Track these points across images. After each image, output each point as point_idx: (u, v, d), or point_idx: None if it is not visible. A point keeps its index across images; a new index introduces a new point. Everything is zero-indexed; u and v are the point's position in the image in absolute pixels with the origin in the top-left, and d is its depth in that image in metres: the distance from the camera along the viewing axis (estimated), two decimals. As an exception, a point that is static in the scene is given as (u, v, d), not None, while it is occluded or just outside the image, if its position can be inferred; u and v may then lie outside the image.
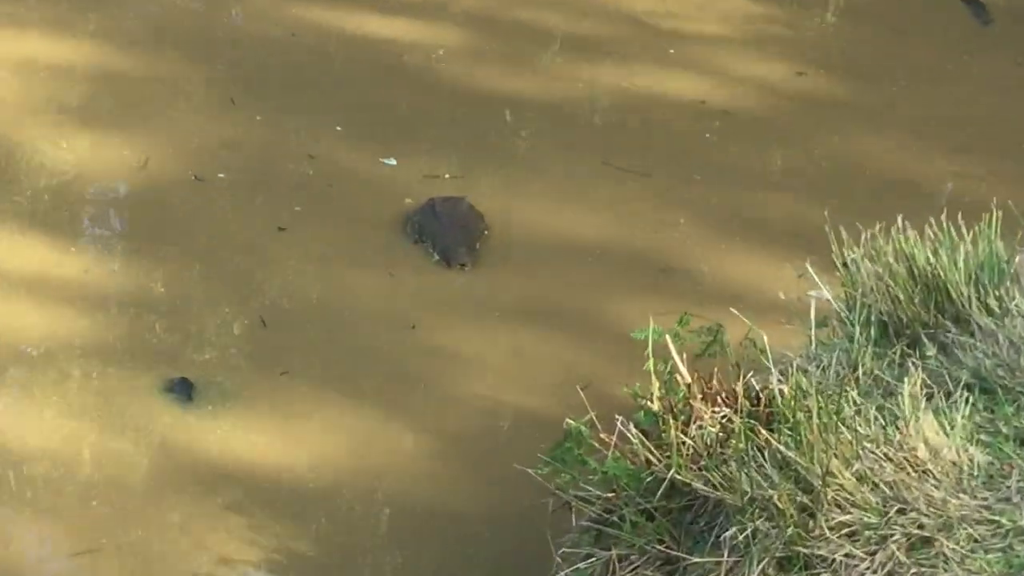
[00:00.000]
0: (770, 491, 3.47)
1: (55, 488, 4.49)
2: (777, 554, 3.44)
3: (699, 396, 3.77)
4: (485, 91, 6.37)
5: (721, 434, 3.68)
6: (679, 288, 5.27)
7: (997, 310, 3.96)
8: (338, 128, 6.08)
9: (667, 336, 3.86)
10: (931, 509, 3.39)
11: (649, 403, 3.80)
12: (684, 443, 3.68)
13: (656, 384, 3.81)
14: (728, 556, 3.50)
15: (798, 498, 3.45)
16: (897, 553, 3.36)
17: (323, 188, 5.77)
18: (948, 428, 3.56)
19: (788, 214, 5.64)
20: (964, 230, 4.10)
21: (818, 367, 3.91)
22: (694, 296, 5.02)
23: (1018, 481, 3.45)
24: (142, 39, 6.52)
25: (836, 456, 3.47)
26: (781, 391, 3.68)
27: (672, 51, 6.69)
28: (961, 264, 4.02)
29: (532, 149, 6.10)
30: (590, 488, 3.80)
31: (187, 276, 5.31)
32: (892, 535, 3.38)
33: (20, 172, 5.71)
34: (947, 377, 3.77)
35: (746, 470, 3.53)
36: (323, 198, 5.72)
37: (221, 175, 5.79)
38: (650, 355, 3.83)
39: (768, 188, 5.92)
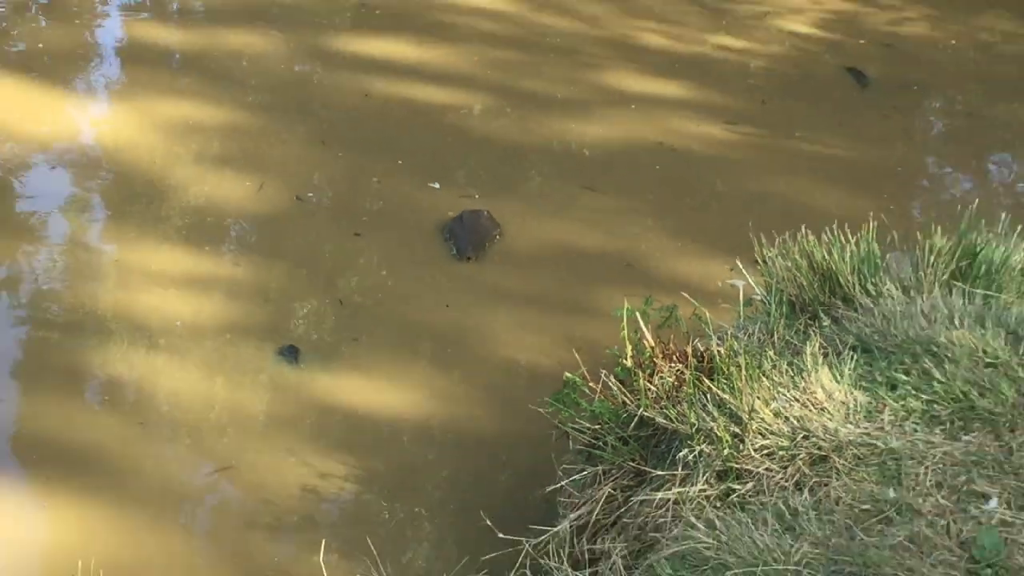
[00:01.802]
0: (711, 423, 3.49)
1: (197, 424, 4.47)
2: (716, 468, 3.44)
3: (660, 355, 3.79)
4: (503, 138, 6.34)
5: (676, 383, 3.70)
6: (642, 279, 5.20)
7: (873, 293, 3.97)
8: (399, 162, 6.05)
9: (637, 313, 3.85)
10: (827, 436, 3.40)
11: (624, 361, 3.81)
12: (649, 389, 3.70)
13: (629, 347, 3.81)
14: (680, 471, 3.50)
15: (731, 428, 3.47)
16: (802, 467, 3.36)
17: (387, 204, 5.74)
18: (839, 377, 3.57)
19: (722, 226, 5.59)
20: (849, 236, 4.11)
21: (745, 335, 3.92)
22: (653, 285, 4.95)
23: (889, 416, 3.46)
24: (259, 102, 6.53)
25: (758, 398, 3.49)
26: (719, 351, 3.68)
27: (634, 107, 6.66)
28: (848, 260, 4.04)
29: (535, 178, 6.06)
30: (582, 422, 3.80)
31: (290, 270, 5.28)
32: (799, 454, 3.38)
33: (172, 200, 5.70)
34: (838, 341, 3.77)
35: (694, 408, 3.55)
36: (386, 211, 5.70)
37: (314, 196, 5.78)
38: (624, 327, 3.82)
39: (707, 207, 5.87)
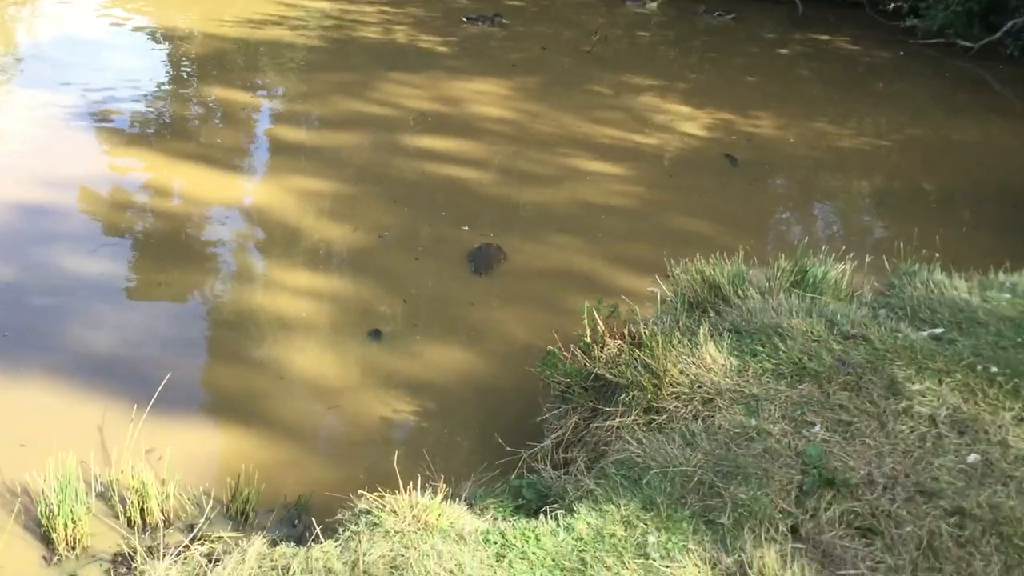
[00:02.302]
0: (640, 378, 3.50)
1: (316, 380, 4.38)
2: (643, 407, 3.45)
3: (608, 335, 3.79)
4: (507, 198, 6.31)
5: (617, 352, 3.70)
6: (597, 288, 5.10)
7: (742, 296, 3.97)
8: (443, 214, 6.05)
9: (593, 309, 3.84)
10: (712, 386, 3.40)
11: (585, 339, 3.81)
12: (601, 357, 3.70)
13: (588, 330, 3.81)
14: (620, 408, 3.49)
15: (652, 381, 3.47)
16: (698, 406, 3.37)
17: (435, 240, 5.72)
18: (720, 349, 3.57)
19: (647, 253, 5.52)
20: (727, 259, 4.13)
21: (661, 323, 3.92)
22: (605, 291, 4.87)
23: (752, 373, 3.45)
24: (354, 176, 6.50)
25: (670, 362, 3.50)
26: (645, 332, 3.70)
27: (588, 179, 6.60)
28: (725, 275, 4.04)
29: (527, 223, 6.02)
30: (559, 378, 3.78)
31: (374, 282, 5.24)
32: (695, 397, 3.39)
33: (299, 240, 5.68)
34: (720, 327, 3.78)
35: (629, 368, 3.55)
36: (434, 245, 5.67)
37: (388, 235, 5.74)
38: (585, 318, 3.81)
39: (638, 241, 5.79)
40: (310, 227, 5.82)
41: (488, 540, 2.89)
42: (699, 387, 3.41)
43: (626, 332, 3.76)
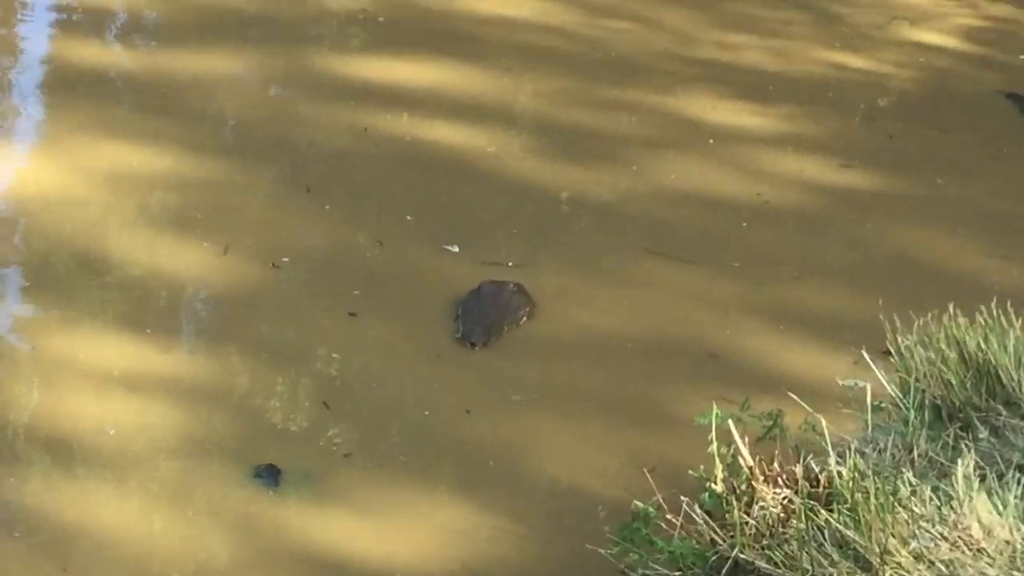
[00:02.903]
0: (830, 569, 3.47)
1: (139, 571, 4.42)
2: None
3: (761, 478, 3.76)
4: (542, 185, 6.41)
5: (782, 514, 3.67)
6: (731, 375, 5.19)
7: (1046, 397, 3.96)
8: (408, 218, 6.09)
9: (729, 421, 3.84)
10: None
11: (713, 485, 3.79)
12: (747, 523, 3.67)
13: (719, 467, 3.80)
14: None
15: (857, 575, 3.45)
16: None
17: (391, 273, 5.78)
18: (1001, 508, 3.53)
19: (837, 303, 5.60)
20: (1014, 317, 4.11)
21: (874, 450, 3.89)
22: (747, 383, 4.94)
23: None
24: (224, 141, 6.65)
25: (893, 535, 3.46)
26: (839, 472, 3.66)
27: (712, 142, 6.71)
28: (1011, 349, 4.01)
29: (583, 239, 6.11)
30: (658, 567, 3.76)
31: (264, 361, 5.29)
32: None
33: (111, 271, 5.71)
34: (999, 459, 3.74)
35: (807, 549, 3.52)
36: (390, 282, 5.73)
37: (294, 263, 5.79)
38: (713, 439, 3.80)
39: (815, 277, 5.88)
40: (131, 246, 5.84)
41: None
42: (957, 588, 3.39)
43: (799, 471, 3.75)
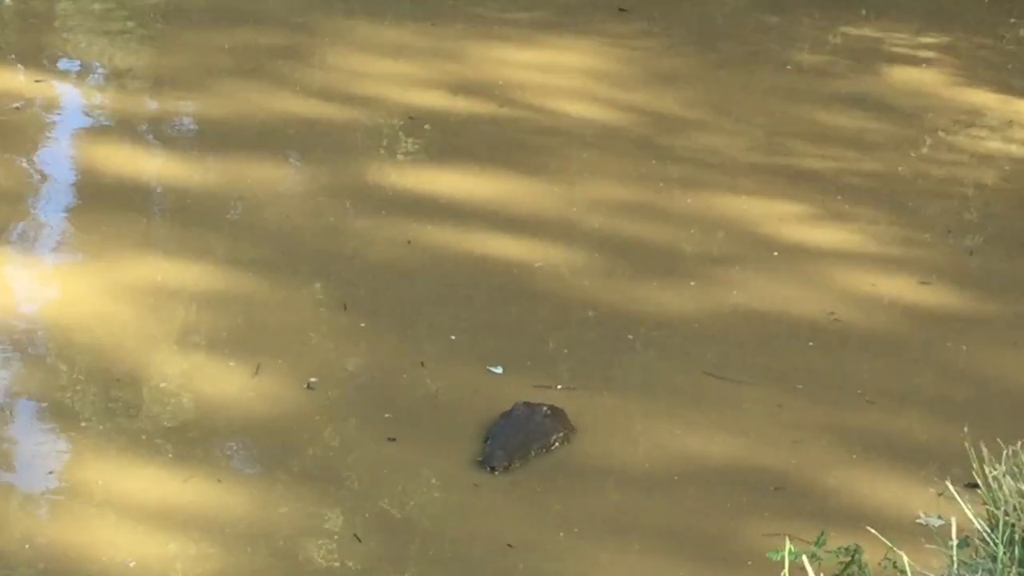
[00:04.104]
0: None
1: None
2: None
3: (839, 620, 3.64)
4: (594, 303, 6.39)
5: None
6: (799, 508, 5.15)
7: None
8: (452, 338, 6.11)
9: (803, 557, 3.67)
10: None
11: (782, 634, 3.66)
12: None
13: (788, 611, 3.68)
14: None
15: None
16: None
17: (434, 396, 5.77)
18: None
19: (916, 429, 5.56)
20: None
21: (964, 593, 3.76)
22: (818, 516, 4.90)
23: None
24: (259, 256, 6.65)
25: None
26: (925, 619, 3.53)
27: (776, 255, 6.71)
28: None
29: (639, 360, 6.10)
30: None
31: (297, 491, 5.29)
32: None
33: (138, 394, 5.74)
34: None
35: None
36: (434, 406, 5.72)
37: (329, 384, 5.80)
38: None
39: (890, 402, 5.80)
40: (161, 366, 5.85)
41: None
42: None
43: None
